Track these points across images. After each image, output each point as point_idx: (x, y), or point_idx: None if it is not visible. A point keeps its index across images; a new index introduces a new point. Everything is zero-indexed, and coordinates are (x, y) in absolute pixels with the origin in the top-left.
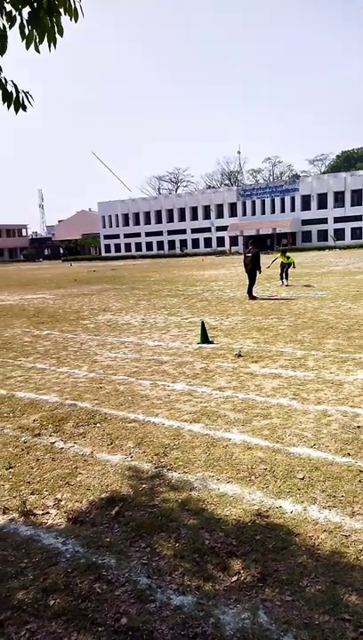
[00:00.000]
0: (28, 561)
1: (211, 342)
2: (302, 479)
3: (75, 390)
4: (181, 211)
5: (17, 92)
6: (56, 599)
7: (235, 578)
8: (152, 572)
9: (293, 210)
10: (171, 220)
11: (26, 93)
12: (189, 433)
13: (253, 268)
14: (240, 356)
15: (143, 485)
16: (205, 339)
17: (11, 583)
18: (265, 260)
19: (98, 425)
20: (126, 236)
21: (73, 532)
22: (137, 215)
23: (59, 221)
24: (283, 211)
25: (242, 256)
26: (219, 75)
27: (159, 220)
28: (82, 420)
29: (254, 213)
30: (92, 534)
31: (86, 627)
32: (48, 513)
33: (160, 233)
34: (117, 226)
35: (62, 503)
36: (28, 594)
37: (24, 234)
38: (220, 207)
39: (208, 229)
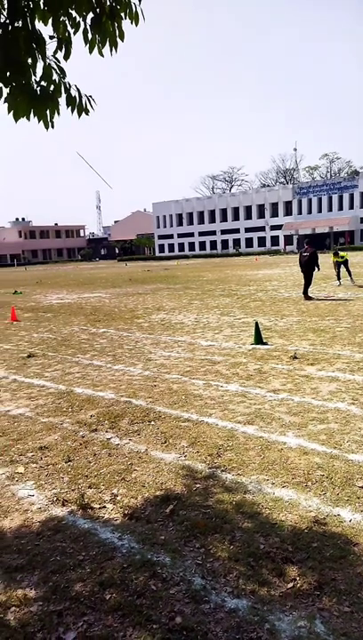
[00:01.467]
0: (85, 554)
1: (265, 343)
2: (362, 487)
3: (130, 388)
4: (235, 210)
5: (80, 96)
6: (112, 593)
7: (291, 584)
8: (206, 573)
9: (351, 207)
10: (224, 219)
11: (88, 97)
12: (243, 435)
13: (310, 267)
14: (296, 357)
15: (197, 485)
16: (259, 339)
17: (69, 574)
18: (322, 259)
19: (152, 423)
20: (180, 235)
21: (128, 528)
22: (191, 215)
23: (115, 222)
24: (341, 208)
25: (297, 255)
26: (275, 73)
27: (213, 220)
28: (137, 417)
29: (309, 212)
30: (147, 531)
31: (141, 623)
32: (105, 507)
33: (213, 232)
34: (171, 226)
35: (118, 498)
36: (86, 586)
37: (82, 234)
38: (274, 206)
39: (262, 228)
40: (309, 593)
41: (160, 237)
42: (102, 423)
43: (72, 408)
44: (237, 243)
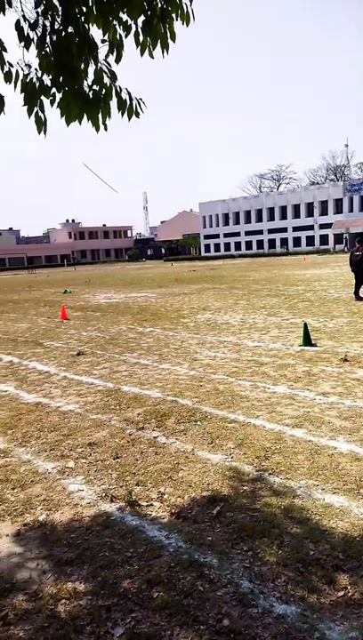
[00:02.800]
0: (133, 551)
1: (314, 345)
2: None
3: (176, 387)
4: (283, 209)
5: (130, 99)
6: (160, 592)
7: (341, 593)
8: (254, 577)
9: None
10: (272, 218)
11: (139, 100)
12: (292, 438)
13: (361, 267)
14: (346, 360)
15: (244, 488)
16: (307, 341)
17: (117, 571)
18: None
19: (198, 423)
20: (226, 235)
21: (176, 527)
22: (237, 214)
23: (161, 222)
24: None
25: (347, 254)
26: (323, 70)
27: (260, 219)
28: (183, 416)
29: (361, 209)
30: (194, 531)
31: (188, 623)
32: (152, 505)
33: (260, 232)
34: (217, 225)
35: (165, 497)
36: (134, 583)
37: (129, 235)
38: (324, 204)
39: (311, 227)
40: (361, 603)
41: (206, 237)
42: (149, 422)
43: (120, 406)
44: (284, 242)
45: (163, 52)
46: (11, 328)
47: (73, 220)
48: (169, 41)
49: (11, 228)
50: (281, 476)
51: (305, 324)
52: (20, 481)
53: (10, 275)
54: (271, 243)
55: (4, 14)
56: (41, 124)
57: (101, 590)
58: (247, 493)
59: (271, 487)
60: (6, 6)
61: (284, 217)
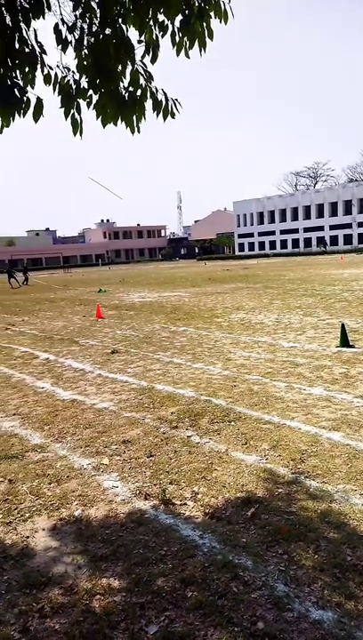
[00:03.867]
0: (167, 549)
1: (352, 346)
2: None
3: (209, 387)
4: (320, 207)
5: (166, 99)
6: (193, 592)
7: None
8: (290, 581)
9: None
10: (308, 216)
11: (174, 101)
12: (328, 441)
13: None
14: None
15: (279, 490)
16: (345, 342)
17: (151, 569)
18: None
19: (232, 423)
20: (261, 234)
21: (209, 527)
22: (272, 213)
23: (195, 221)
24: None
25: None
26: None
27: (295, 218)
28: (217, 416)
29: None
30: (229, 532)
31: (223, 624)
32: (186, 504)
33: (296, 230)
34: (252, 224)
35: (199, 497)
36: (168, 582)
37: (163, 234)
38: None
39: (349, 225)
40: None
41: (240, 236)
42: (183, 421)
43: (153, 404)
44: (321, 240)
45: (200, 51)
46: (47, 326)
47: (108, 220)
48: (207, 39)
49: (47, 229)
50: (318, 479)
51: (343, 325)
52: (56, 476)
53: (46, 274)
54: (307, 241)
55: (43, 18)
56: (77, 126)
57: (136, 587)
58: (283, 496)
59: (307, 491)
60: (46, 10)
61: (320, 215)
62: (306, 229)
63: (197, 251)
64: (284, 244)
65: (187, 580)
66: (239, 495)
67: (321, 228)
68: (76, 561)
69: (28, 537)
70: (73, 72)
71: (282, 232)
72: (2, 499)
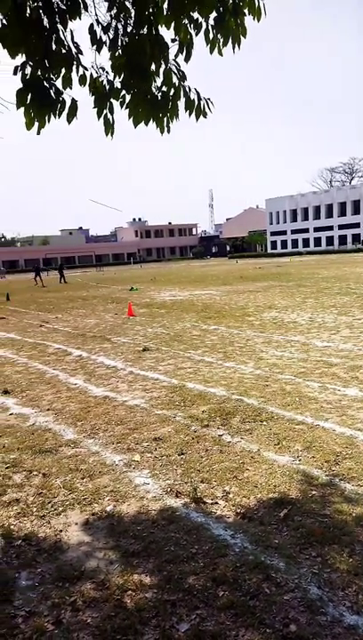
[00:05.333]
0: (198, 547)
1: None
2: None
3: (241, 386)
4: (356, 203)
5: (199, 98)
6: (225, 591)
7: None
8: (323, 584)
9: None
10: (343, 213)
11: (207, 100)
12: None
13: None
14: None
15: (313, 492)
16: None
17: (182, 566)
18: None
19: (264, 423)
20: (294, 231)
21: (241, 527)
22: (306, 210)
23: (226, 219)
24: None
25: None
26: None
27: (330, 215)
28: (248, 416)
29: None
30: (261, 533)
31: (254, 625)
32: (217, 503)
33: (330, 228)
34: (285, 222)
35: (230, 496)
36: (199, 580)
37: (194, 232)
38: None
39: None
40: None
41: (273, 234)
42: (214, 419)
43: (184, 402)
44: (356, 238)
45: (234, 48)
46: (80, 323)
47: (139, 219)
48: (241, 36)
49: (80, 228)
50: (353, 482)
51: None
52: (88, 471)
53: (79, 272)
54: (342, 239)
55: (79, 18)
56: (109, 127)
57: (167, 585)
58: (316, 498)
59: (342, 493)
60: (82, 11)
61: (356, 212)
62: (341, 227)
63: (228, 249)
64: (317, 241)
65: (218, 580)
66: (272, 496)
67: (357, 225)
68: (108, 556)
69: (61, 531)
70: (107, 72)
71: (316, 229)
72: (36, 492)
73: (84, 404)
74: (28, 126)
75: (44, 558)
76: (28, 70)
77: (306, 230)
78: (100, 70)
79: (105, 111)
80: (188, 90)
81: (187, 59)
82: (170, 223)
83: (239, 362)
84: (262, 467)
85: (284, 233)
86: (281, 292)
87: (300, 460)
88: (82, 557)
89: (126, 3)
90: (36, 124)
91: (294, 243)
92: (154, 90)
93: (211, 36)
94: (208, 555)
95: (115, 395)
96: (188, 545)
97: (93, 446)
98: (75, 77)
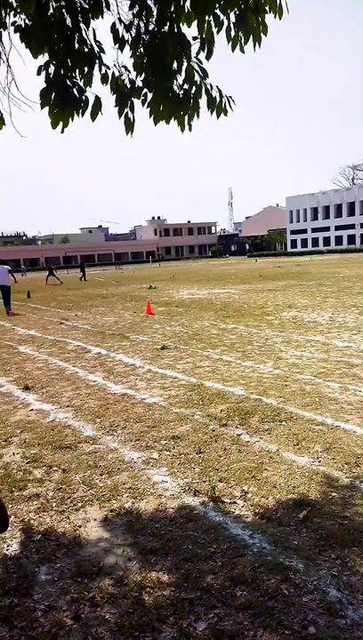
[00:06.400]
0: (216, 547)
1: None
2: None
3: (260, 385)
4: None
5: (221, 96)
6: (243, 591)
7: None
8: (343, 587)
9: None
10: None
11: (228, 98)
12: None
13: None
14: None
15: (333, 494)
16: None
17: (200, 565)
18: None
19: (283, 423)
20: (314, 230)
21: (259, 527)
22: (327, 208)
23: (246, 218)
24: None
25: None
26: None
27: (352, 213)
28: (267, 415)
29: None
30: (279, 533)
31: (272, 626)
32: (235, 503)
33: (352, 226)
34: (305, 220)
35: (249, 496)
36: (217, 579)
37: (213, 231)
38: None
39: None
40: None
41: (293, 232)
42: (232, 418)
43: (202, 401)
44: None
45: (254, 46)
46: (99, 321)
47: (158, 217)
48: (262, 35)
49: (100, 226)
50: None
51: None
52: (107, 468)
53: (98, 270)
54: None
55: (102, 17)
56: (130, 125)
57: (185, 583)
58: (337, 500)
59: None
60: (105, 9)
61: None
62: None
63: (247, 247)
64: (339, 240)
65: (236, 579)
66: (291, 497)
67: None
68: (127, 553)
69: (80, 526)
70: (128, 70)
71: (337, 228)
72: (56, 487)
73: (103, 401)
74: (53, 125)
75: (63, 553)
76: (52, 70)
77: (327, 229)
78: (123, 69)
79: (126, 110)
80: (209, 87)
81: (208, 56)
82: (189, 222)
83: (258, 361)
84: (281, 467)
85: (304, 231)
86: (301, 292)
87: (320, 462)
88: (100, 553)
89: (148, 1)
90: (60, 122)
91: (315, 241)
92: (176, 88)
93: (232, 33)
94: (226, 554)
95: (133, 392)
96: (206, 544)
97: (112, 443)
98: (96, 76)
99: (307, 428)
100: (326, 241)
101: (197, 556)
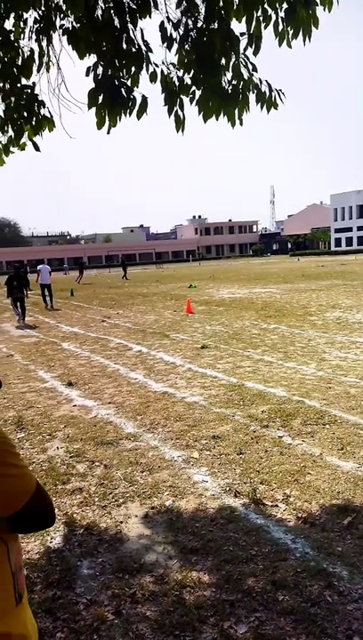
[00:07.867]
0: (258, 550)
1: None
2: None
3: (302, 387)
4: None
5: (270, 90)
6: (285, 596)
7: None
8: None
9: None
10: None
11: (278, 92)
12: None
13: None
14: None
15: None
16: None
17: (241, 567)
18: None
19: (327, 426)
20: (360, 228)
21: (302, 532)
22: None
23: (288, 216)
24: None
25: None
26: None
27: None
28: (310, 418)
29: None
30: (322, 539)
31: (315, 633)
32: (277, 506)
33: None
34: (350, 218)
35: (291, 500)
36: (258, 582)
37: (254, 229)
38: None
39: None
40: None
41: (337, 231)
42: (274, 420)
43: (243, 401)
44: None
45: (304, 40)
46: (140, 320)
47: (199, 217)
48: (312, 27)
49: (141, 225)
50: None
51: None
52: (148, 465)
53: (139, 269)
54: None
55: (150, 17)
56: (180, 123)
57: (226, 584)
58: None
59: None
60: (152, 9)
61: None
62: None
63: (289, 246)
64: None
65: (278, 583)
66: (335, 502)
67: None
68: (167, 551)
69: (121, 522)
70: (177, 68)
71: None
72: (98, 482)
73: (144, 399)
74: (99, 126)
75: (104, 548)
76: (100, 70)
77: None
78: (171, 67)
79: (175, 108)
80: (258, 82)
81: (256, 52)
82: (230, 220)
83: (301, 362)
84: (324, 471)
85: (349, 230)
86: (345, 292)
87: None
88: (141, 550)
89: None
90: (107, 123)
91: (361, 240)
92: (224, 84)
93: (280, 28)
94: (268, 557)
95: (174, 391)
96: (247, 546)
97: (153, 441)
98: (144, 75)
99: (352, 433)
100: None
101: (238, 558)
